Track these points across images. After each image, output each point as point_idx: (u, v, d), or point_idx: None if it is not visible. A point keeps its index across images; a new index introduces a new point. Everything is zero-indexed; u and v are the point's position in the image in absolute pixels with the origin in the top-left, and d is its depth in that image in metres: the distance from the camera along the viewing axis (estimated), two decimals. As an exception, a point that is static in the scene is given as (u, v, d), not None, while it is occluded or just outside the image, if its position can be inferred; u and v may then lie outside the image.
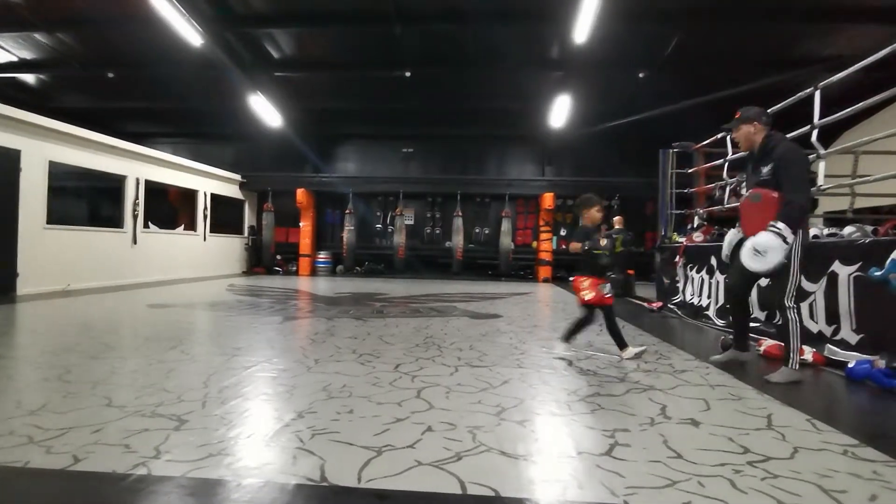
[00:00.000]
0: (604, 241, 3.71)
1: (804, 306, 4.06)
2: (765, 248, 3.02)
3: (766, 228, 3.04)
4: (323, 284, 11.11)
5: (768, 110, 5.14)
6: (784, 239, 2.98)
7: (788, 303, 3.13)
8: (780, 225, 2.99)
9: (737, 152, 5.72)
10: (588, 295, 3.74)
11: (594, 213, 3.90)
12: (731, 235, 3.67)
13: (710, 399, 2.75)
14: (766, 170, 3.24)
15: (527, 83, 11.15)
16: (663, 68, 9.90)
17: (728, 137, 4.57)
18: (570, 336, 3.96)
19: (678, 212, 7.65)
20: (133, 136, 12.18)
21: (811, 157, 4.51)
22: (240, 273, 13.96)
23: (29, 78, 11.63)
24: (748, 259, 3.13)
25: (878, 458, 1.97)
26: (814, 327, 3.97)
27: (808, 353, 3.69)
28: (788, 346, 3.15)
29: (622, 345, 3.77)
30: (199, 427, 2.17)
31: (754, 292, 4.86)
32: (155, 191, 10.92)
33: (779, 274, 3.15)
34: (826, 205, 9.21)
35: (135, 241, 9.95)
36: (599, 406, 2.59)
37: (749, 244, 3.13)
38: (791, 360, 3.14)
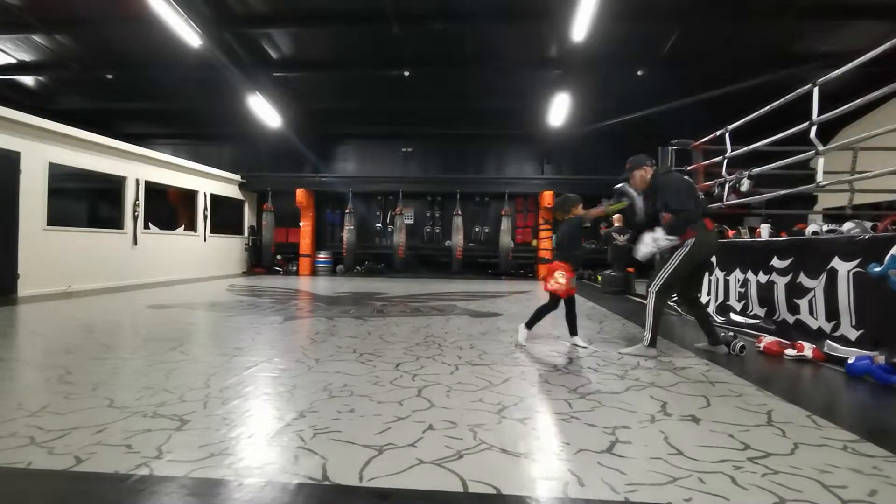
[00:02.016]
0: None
1: (803, 302, 4.08)
2: (641, 240, 3.92)
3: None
4: (323, 284, 11.10)
5: (769, 106, 5.20)
6: (657, 239, 3.76)
7: (653, 289, 3.79)
8: (658, 230, 3.79)
9: (736, 149, 5.78)
10: (555, 285, 4.06)
11: (580, 210, 4.26)
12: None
13: (710, 396, 2.76)
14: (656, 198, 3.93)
15: (525, 82, 11.14)
16: (662, 66, 9.89)
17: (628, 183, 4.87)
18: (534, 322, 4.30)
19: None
20: (132, 137, 12.18)
21: (810, 153, 4.53)
22: (240, 273, 13.95)
23: (28, 80, 11.63)
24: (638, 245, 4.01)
25: (879, 453, 1.98)
26: (813, 323, 3.97)
27: (808, 350, 3.70)
28: (645, 324, 3.82)
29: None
30: (201, 427, 2.17)
31: (754, 291, 4.90)
32: (155, 192, 10.91)
33: (658, 264, 3.93)
34: (825, 201, 9.23)
35: (135, 242, 9.96)
36: (600, 403, 2.60)
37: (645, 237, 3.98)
38: (644, 338, 3.80)
